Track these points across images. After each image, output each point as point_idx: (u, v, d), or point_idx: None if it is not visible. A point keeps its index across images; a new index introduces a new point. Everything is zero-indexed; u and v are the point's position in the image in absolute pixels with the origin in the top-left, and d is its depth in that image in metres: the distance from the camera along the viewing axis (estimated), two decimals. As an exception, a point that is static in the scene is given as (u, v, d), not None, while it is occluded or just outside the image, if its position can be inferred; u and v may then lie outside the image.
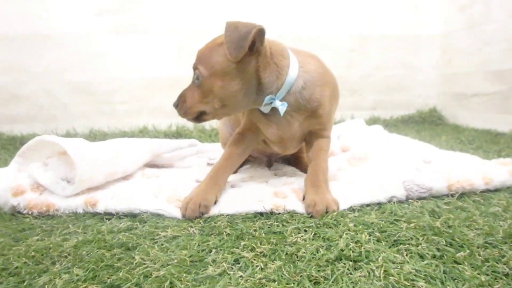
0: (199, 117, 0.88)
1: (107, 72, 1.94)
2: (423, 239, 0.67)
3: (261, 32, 0.80)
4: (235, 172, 1.13)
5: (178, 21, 1.98)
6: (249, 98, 0.84)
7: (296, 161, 1.18)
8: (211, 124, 2.00)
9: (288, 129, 0.90)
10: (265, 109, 0.88)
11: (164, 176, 1.02)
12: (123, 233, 0.72)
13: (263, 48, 0.82)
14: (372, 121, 2.22)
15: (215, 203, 0.84)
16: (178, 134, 1.88)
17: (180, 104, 0.88)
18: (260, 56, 0.83)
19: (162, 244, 0.68)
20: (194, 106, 0.86)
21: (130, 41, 1.94)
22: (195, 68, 0.86)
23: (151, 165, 1.11)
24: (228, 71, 0.81)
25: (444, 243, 0.66)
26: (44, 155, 0.91)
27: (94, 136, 1.82)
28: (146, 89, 2.00)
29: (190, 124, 2.03)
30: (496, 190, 0.93)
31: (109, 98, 1.97)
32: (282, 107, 0.84)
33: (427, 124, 2.21)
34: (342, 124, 1.66)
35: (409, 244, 0.66)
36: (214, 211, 0.81)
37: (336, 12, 2.16)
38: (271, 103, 0.86)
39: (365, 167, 1.07)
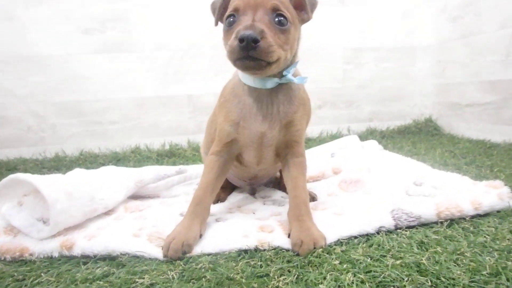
0: (268, 66, 0.76)
1: (95, 92, 1.92)
2: (408, 280, 0.64)
3: None
4: (223, 200, 1.11)
5: (164, 39, 1.96)
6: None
7: (280, 183, 1.17)
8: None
9: (271, 127, 0.87)
10: (271, 83, 0.86)
11: (148, 209, 0.99)
12: (98, 281, 0.70)
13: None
14: (369, 132, 2.20)
15: (200, 237, 0.82)
16: (172, 153, 1.86)
17: (264, 41, 0.72)
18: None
19: (138, 294, 0.66)
20: (277, 50, 0.75)
21: (116, 60, 1.91)
22: (277, 9, 0.77)
23: (135, 196, 1.08)
24: (297, 27, 0.84)
25: (430, 283, 0.63)
26: (21, 193, 0.88)
27: (85, 158, 1.80)
28: (136, 109, 1.97)
29: (184, 143, 2.01)
30: (486, 214, 0.91)
31: (99, 119, 1.94)
32: (301, 79, 0.86)
33: (423, 134, 2.19)
34: (336, 142, 1.64)
35: (393, 286, 0.63)
36: (197, 250, 0.78)
37: (329, 24, 2.15)
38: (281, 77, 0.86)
39: (355, 193, 1.04)
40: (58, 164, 1.72)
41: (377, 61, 2.24)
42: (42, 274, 0.73)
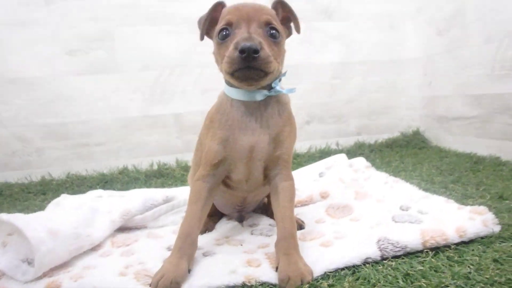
0: (265, 76, 0.79)
1: (80, 113, 1.90)
2: (393, 320, 0.65)
3: None
4: (211, 230, 1.11)
5: (149, 58, 1.96)
6: None
7: (268, 209, 1.17)
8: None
9: (261, 139, 0.87)
10: (261, 96, 0.87)
11: (134, 244, 0.98)
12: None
13: None
14: (357, 146, 2.22)
15: (189, 272, 0.82)
16: (160, 173, 1.85)
17: (264, 52, 0.75)
18: None
19: None
20: (274, 61, 0.78)
21: (101, 81, 1.90)
22: (269, 23, 0.81)
23: (122, 228, 1.08)
24: (283, 41, 0.88)
25: (414, 324, 0.64)
26: (4, 232, 0.87)
27: (71, 181, 1.78)
28: (123, 129, 1.96)
29: (172, 163, 2.00)
30: (471, 240, 0.92)
31: (85, 140, 1.92)
32: (290, 90, 0.90)
33: (411, 147, 2.21)
34: (323, 161, 1.65)
35: (378, 327, 0.64)
36: (185, 287, 0.78)
37: (317, 39, 2.16)
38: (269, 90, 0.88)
39: (342, 220, 1.05)
40: (45, 188, 1.71)
41: (365, 75, 2.26)
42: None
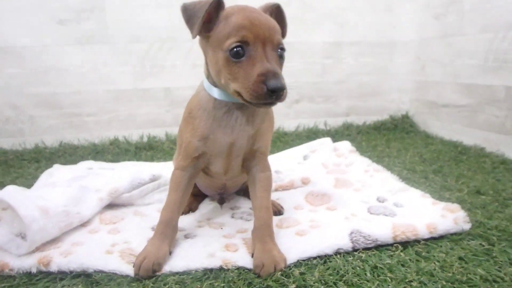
0: None
1: (71, 84, 1.90)
2: (353, 311, 0.72)
3: None
4: (194, 210, 1.16)
5: (140, 31, 1.93)
6: None
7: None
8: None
9: (240, 136, 0.90)
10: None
11: (121, 222, 1.03)
12: (73, 300, 0.75)
13: None
14: (345, 127, 2.25)
15: (170, 253, 0.87)
16: (150, 146, 1.88)
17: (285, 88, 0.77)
18: None
19: (109, 316, 0.71)
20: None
21: (92, 52, 1.88)
22: (279, 44, 0.81)
23: (111, 205, 1.12)
24: None
25: (373, 315, 0.71)
26: (-1, 207, 0.92)
27: (64, 150, 1.81)
28: (114, 101, 1.97)
29: (162, 136, 2.03)
30: (441, 237, 0.97)
31: (76, 111, 1.93)
32: None
33: (399, 131, 2.24)
34: (309, 144, 1.68)
35: (339, 316, 0.70)
36: (166, 268, 0.84)
37: (308, 18, 2.13)
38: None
39: (320, 208, 1.11)
40: (38, 156, 1.74)
41: (357, 56, 2.25)
42: (20, 291, 0.78)
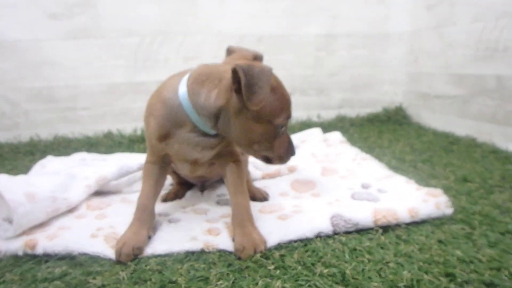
0: None
1: (65, 78, 1.92)
2: (329, 290, 0.73)
3: None
4: (181, 197, 1.18)
5: (132, 25, 1.94)
6: None
7: None
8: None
9: (207, 154, 0.90)
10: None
11: (108, 208, 1.06)
12: (55, 281, 0.77)
13: None
14: (339, 120, 2.26)
15: (149, 238, 0.89)
16: (142, 139, 1.90)
17: None
18: None
19: (89, 295, 0.73)
20: None
21: (84, 47, 1.91)
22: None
23: (98, 192, 1.15)
24: None
25: (347, 294, 0.72)
26: (-13, 193, 0.94)
27: (58, 143, 1.84)
28: (107, 95, 1.99)
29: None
30: (423, 221, 0.99)
31: (71, 105, 1.95)
32: None
33: (392, 123, 2.25)
34: (299, 135, 1.70)
35: (314, 295, 0.72)
36: (148, 251, 0.86)
37: (300, 10, 2.13)
38: None
39: (305, 194, 1.12)
40: (33, 149, 1.77)
41: (350, 48, 2.25)
42: (6, 273, 0.80)
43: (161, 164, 0.95)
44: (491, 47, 1.72)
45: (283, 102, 0.82)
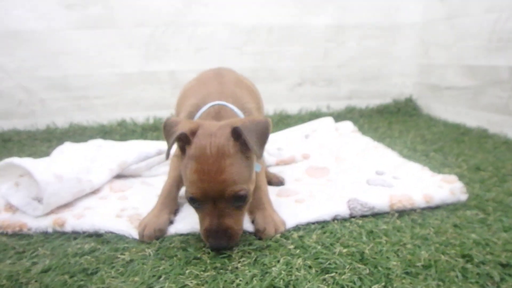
0: None
1: (79, 67, 1.96)
2: (349, 267, 0.75)
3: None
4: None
5: (144, 15, 1.97)
6: None
7: None
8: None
9: None
10: None
11: (129, 190, 1.09)
12: (85, 256, 0.80)
13: None
14: (348, 111, 2.28)
15: (171, 223, 0.92)
16: (155, 127, 1.94)
17: (232, 242, 0.81)
18: None
19: (118, 269, 0.76)
20: (241, 228, 0.84)
21: (98, 36, 1.94)
22: (232, 197, 0.79)
23: (119, 175, 1.18)
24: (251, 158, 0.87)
25: (367, 272, 0.74)
26: (17, 174, 0.98)
27: (74, 130, 1.88)
28: (120, 84, 2.03)
29: (167, 117, 2.07)
30: (438, 207, 1.01)
31: (85, 93, 1.99)
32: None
33: (401, 114, 2.26)
34: (310, 123, 1.72)
35: (335, 272, 0.74)
36: (171, 230, 0.89)
37: (310, 1, 2.14)
38: None
39: (320, 180, 1.14)
40: (50, 136, 1.81)
41: (360, 39, 2.25)
42: (39, 248, 0.84)
43: None
44: (504, 38, 1.72)
45: (187, 177, 0.79)
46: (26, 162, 0.92)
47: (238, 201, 0.79)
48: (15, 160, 0.92)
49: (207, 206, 0.79)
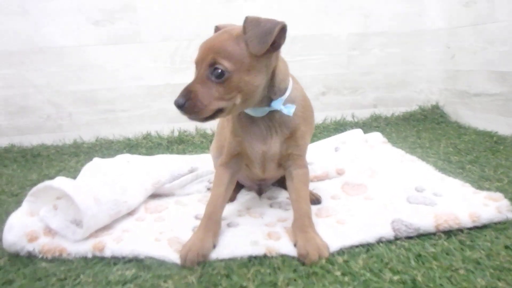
0: (213, 115, 0.83)
1: (106, 82, 1.99)
2: (402, 297, 0.72)
3: (284, 29, 0.83)
4: (233, 200, 1.18)
5: (169, 30, 2.01)
6: (263, 94, 0.87)
7: (283, 182, 1.22)
8: (212, 128, 2.04)
9: (272, 145, 0.93)
10: (261, 112, 0.91)
11: (165, 211, 1.08)
12: (128, 284, 0.79)
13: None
14: (373, 119, 2.23)
15: (214, 247, 0.90)
16: (181, 140, 1.93)
17: (189, 103, 0.80)
18: (278, 53, 0.88)
19: (163, 299, 0.75)
20: (211, 104, 0.80)
21: (124, 51, 1.98)
22: (214, 63, 0.80)
23: (153, 195, 1.17)
24: (254, 65, 0.82)
25: (422, 302, 0.71)
26: (54, 196, 0.97)
27: (101, 144, 1.89)
28: (146, 97, 2.05)
29: (192, 129, 2.07)
30: (484, 226, 0.96)
31: (111, 107, 2.02)
32: (289, 109, 0.88)
33: (429, 122, 2.21)
34: (339, 136, 1.68)
35: (389, 302, 0.71)
36: (212, 256, 0.87)
37: (333, 9, 2.13)
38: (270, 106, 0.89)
39: (357, 197, 1.11)
40: (77, 151, 1.82)
41: (383, 46, 2.22)
42: (80, 274, 0.83)
43: (233, 167, 0.98)
44: (535, 44, 1.67)
45: None
46: (65, 185, 0.91)
47: (214, 73, 0.80)
48: (54, 183, 0.92)
49: (196, 71, 0.84)
